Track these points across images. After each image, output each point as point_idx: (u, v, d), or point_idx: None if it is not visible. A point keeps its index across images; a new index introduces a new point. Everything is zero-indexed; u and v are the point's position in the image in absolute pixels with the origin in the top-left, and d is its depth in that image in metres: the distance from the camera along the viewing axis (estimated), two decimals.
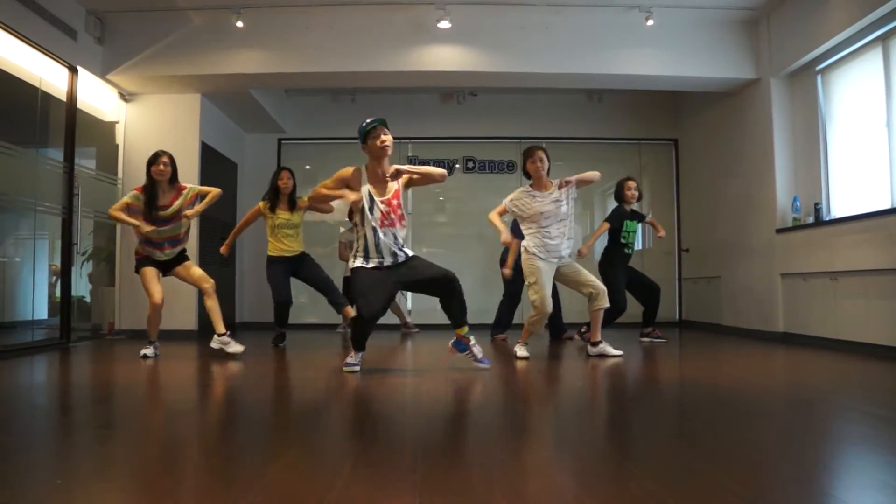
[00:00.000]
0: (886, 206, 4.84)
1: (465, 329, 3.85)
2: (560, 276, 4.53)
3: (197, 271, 4.72)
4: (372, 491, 1.59)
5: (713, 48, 6.25)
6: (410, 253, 3.83)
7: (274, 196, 5.29)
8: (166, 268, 4.67)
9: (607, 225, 5.54)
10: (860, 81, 5.27)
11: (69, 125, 5.54)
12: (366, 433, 2.39)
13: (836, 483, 1.78)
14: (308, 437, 2.31)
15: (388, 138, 3.69)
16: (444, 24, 5.99)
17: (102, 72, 6.09)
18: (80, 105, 5.73)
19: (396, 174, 3.66)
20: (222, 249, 5.41)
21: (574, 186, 4.41)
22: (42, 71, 5.28)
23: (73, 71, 5.56)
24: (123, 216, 4.45)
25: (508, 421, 2.61)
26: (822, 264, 5.31)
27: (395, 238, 3.72)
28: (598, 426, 2.55)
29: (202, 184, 6.67)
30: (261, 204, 5.32)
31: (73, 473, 1.77)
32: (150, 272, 4.56)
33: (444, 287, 3.72)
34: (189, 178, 6.57)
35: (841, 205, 5.53)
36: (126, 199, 4.51)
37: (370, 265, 3.68)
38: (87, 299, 6.76)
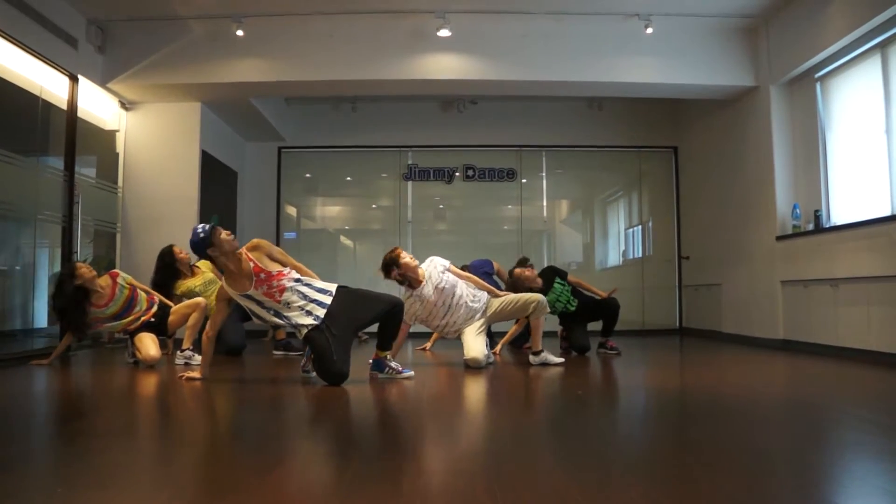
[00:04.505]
0: (886, 213, 4.85)
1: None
2: (498, 316, 4.53)
3: (173, 321, 4.76)
4: (372, 498, 1.58)
5: (713, 56, 6.27)
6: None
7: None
8: (160, 326, 4.73)
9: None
10: (859, 89, 5.29)
11: (69, 134, 5.55)
12: (366, 439, 2.39)
13: (837, 490, 1.77)
14: (305, 445, 2.30)
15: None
16: (444, 33, 6.01)
17: (103, 80, 6.10)
18: (80, 114, 5.74)
19: None
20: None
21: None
22: (43, 80, 5.30)
23: (74, 80, 5.58)
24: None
25: (510, 427, 2.60)
26: (823, 271, 5.31)
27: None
28: (600, 433, 2.54)
29: (203, 191, 6.70)
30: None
31: (73, 482, 1.76)
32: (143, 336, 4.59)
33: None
34: (189, 185, 6.60)
35: (841, 212, 5.53)
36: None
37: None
38: None
